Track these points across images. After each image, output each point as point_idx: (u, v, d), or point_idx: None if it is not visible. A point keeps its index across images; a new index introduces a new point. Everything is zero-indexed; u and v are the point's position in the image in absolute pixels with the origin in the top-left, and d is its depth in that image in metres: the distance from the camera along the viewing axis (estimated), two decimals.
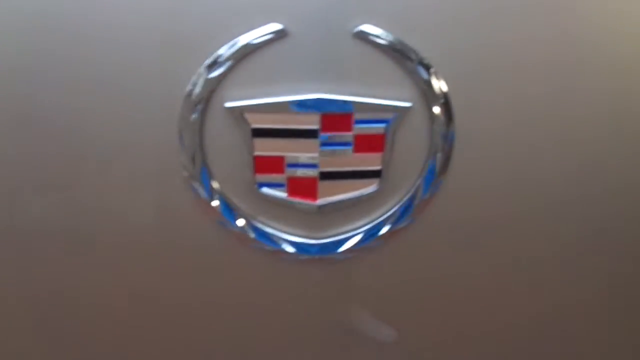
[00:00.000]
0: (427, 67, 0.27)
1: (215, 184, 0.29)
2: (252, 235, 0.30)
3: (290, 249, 0.31)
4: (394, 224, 0.30)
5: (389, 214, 0.30)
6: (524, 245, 0.32)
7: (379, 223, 0.30)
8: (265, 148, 0.28)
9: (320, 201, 0.29)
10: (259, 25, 0.26)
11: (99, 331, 0.35)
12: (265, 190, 0.29)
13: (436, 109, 0.28)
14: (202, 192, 0.29)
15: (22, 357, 0.36)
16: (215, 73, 0.27)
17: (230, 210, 0.30)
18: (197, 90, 0.27)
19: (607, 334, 0.37)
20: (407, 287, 0.33)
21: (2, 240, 0.32)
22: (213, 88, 0.27)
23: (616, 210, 0.32)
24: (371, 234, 0.31)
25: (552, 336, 0.36)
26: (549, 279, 0.34)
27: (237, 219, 0.30)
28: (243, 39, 0.26)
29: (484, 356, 0.36)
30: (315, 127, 0.28)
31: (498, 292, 0.34)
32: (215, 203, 0.30)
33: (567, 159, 0.31)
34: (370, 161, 0.29)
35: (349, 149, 0.28)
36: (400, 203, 0.30)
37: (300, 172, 0.29)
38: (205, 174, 0.29)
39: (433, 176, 0.29)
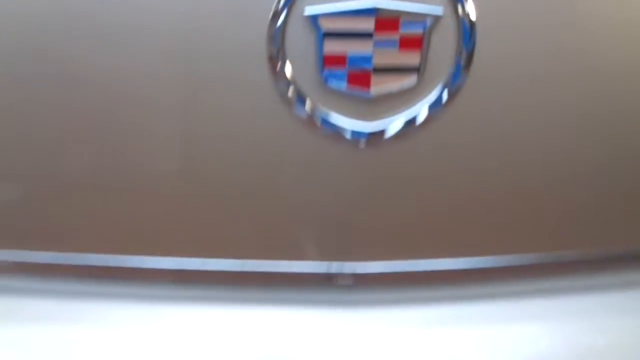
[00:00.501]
0: None
1: (292, 79, 0.38)
2: (319, 120, 0.40)
3: (347, 133, 0.40)
4: (429, 111, 0.39)
5: (425, 103, 0.39)
6: (542, 133, 0.41)
7: (417, 110, 0.39)
8: (332, 47, 0.37)
9: (372, 90, 0.38)
10: None
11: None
12: (331, 82, 0.38)
13: (462, 16, 0.37)
14: (282, 86, 0.38)
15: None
16: None
17: (302, 100, 0.39)
18: (282, 2, 0.36)
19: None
20: (441, 164, 0.42)
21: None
22: (294, 0, 0.36)
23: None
24: (411, 119, 0.40)
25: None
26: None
27: (307, 107, 0.39)
28: None
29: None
30: (371, 29, 0.37)
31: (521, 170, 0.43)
32: (291, 93, 0.39)
33: (579, 59, 0.39)
34: (412, 58, 0.38)
35: (396, 47, 0.37)
36: (434, 94, 0.39)
37: (358, 67, 0.38)
38: (284, 71, 0.38)
39: (459, 72, 0.38)
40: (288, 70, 0.38)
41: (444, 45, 0.37)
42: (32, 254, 0.47)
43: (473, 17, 0.37)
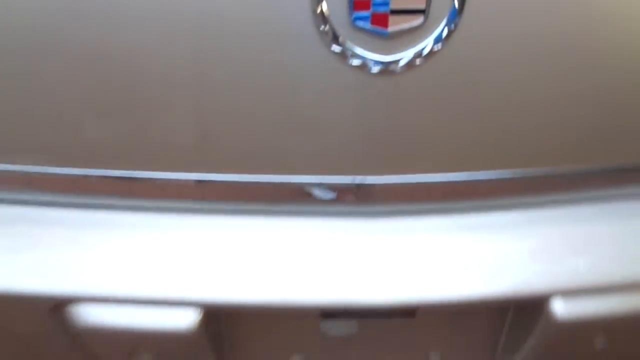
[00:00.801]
0: None
1: (328, 19, 0.50)
2: (348, 53, 0.52)
3: (370, 62, 0.52)
4: (433, 44, 0.51)
5: (430, 38, 0.51)
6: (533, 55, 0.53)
7: (424, 45, 0.51)
8: None
9: (390, 28, 0.50)
10: None
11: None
12: (358, 22, 0.50)
13: None
14: (320, 24, 0.50)
15: None
16: None
17: (337, 37, 0.51)
18: None
19: None
20: (444, 87, 0.54)
21: None
22: None
23: None
24: (419, 52, 0.51)
25: None
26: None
27: (339, 43, 0.51)
28: None
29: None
30: None
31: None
32: (327, 31, 0.51)
33: None
34: (419, 3, 0.49)
35: None
36: (436, 31, 0.51)
37: (379, 10, 0.50)
38: (322, 14, 0.50)
39: (454, 14, 0.50)
40: (326, 12, 0.50)
41: None
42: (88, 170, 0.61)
43: None
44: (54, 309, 0.60)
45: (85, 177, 0.61)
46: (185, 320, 0.60)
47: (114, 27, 0.51)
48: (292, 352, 0.74)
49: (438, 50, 0.52)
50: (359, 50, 0.52)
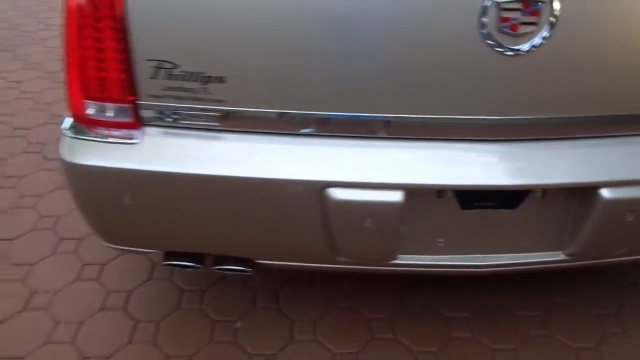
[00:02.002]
0: None
1: (486, 25, 0.98)
2: (496, 45, 0.99)
3: (507, 49, 0.99)
4: (541, 41, 0.99)
5: (538, 38, 0.99)
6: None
7: (536, 41, 0.99)
8: (504, 14, 0.97)
9: (519, 31, 0.98)
10: None
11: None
12: (503, 28, 0.98)
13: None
14: (480, 27, 0.98)
15: None
16: None
17: (490, 35, 0.99)
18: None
19: None
20: (549, 65, 1.00)
21: None
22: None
23: None
24: (534, 45, 0.99)
25: None
26: None
27: (492, 39, 0.99)
28: None
29: None
30: (520, 6, 0.97)
31: None
32: (484, 31, 0.99)
33: None
34: (533, 18, 0.97)
35: (528, 13, 0.97)
36: (542, 34, 0.98)
37: (514, 21, 0.98)
38: (482, 22, 0.98)
39: (551, 25, 0.98)
40: (485, 22, 0.98)
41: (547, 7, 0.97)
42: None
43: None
44: (321, 190, 1.07)
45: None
46: (396, 197, 1.06)
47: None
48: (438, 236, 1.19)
49: (543, 43, 0.99)
50: (503, 42, 1.00)
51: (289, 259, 1.21)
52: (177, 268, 1.28)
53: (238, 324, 1.63)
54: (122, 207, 1.14)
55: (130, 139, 1.11)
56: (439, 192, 1.12)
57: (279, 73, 1.04)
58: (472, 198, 1.12)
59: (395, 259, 1.17)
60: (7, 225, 1.96)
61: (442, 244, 1.19)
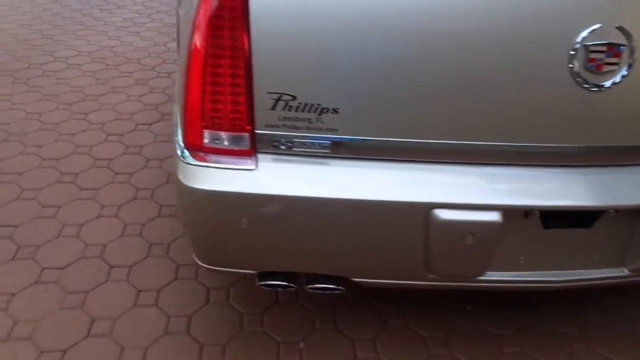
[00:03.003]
0: None
1: (574, 65, 1.13)
2: (582, 82, 1.14)
3: (592, 85, 1.14)
4: (620, 79, 1.14)
5: (618, 76, 1.14)
6: None
7: (616, 79, 1.14)
8: (592, 55, 1.12)
9: (603, 70, 1.13)
10: None
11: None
12: (590, 67, 1.13)
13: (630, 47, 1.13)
14: (570, 66, 1.13)
15: None
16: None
17: (578, 73, 1.13)
18: (578, 44, 1.12)
19: None
20: (626, 98, 1.16)
21: None
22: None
23: None
24: (614, 82, 1.14)
25: None
26: None
27: (579, 76, 1.14)
28: None
29: None
30: (604, 49, 1.12)
31: None
32: (574, 69, 1.13)
33: None
34: (615, 60, 1.13)
35: (611, 55, 1.13)
36: (621, 73, 1.14)
37: (599, 62, 1.13)
38: (572, 64, 1.13)
39: (628, 67, 1.13)
40: (574, 65, 1.13)
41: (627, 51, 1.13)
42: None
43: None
44: (427, 211, 1.17)
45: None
46: (496, 217, 1.18)
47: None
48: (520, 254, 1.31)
49: (622, 81, 1.15)
50: (588, 79, 1.14)
51: (384, 276, 1.30)
52: (272, 288, 1.35)
53: (301, 345, 1.69)
54: (232, 229, 1.21)
55: (246, 165, 1.19)
56: (526, 212, 1.24)
57: (388, 104, 1.15)
58: (554, 218, 1.25)
59: (483, 275, 1.28)
60: (54, 255, 1.96)
61: (523, 261, 1.31)
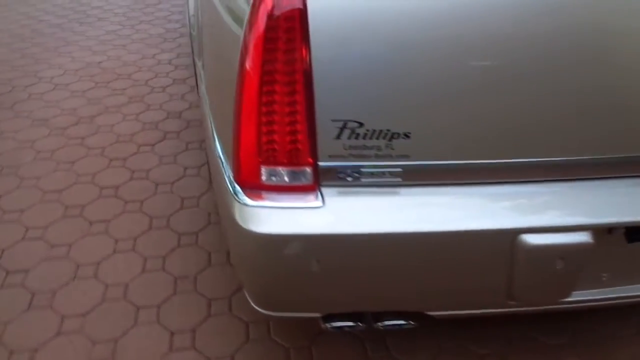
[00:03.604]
0: None
1: None
2: None
3: None
4: None
5: None
6: None
7: None
8: None
9: None
10: None
11: None
12: None
13: None
14: None
15: None
16: None
17: None
18: None
19: None
20: None
21: None
22: None
23: None
24: None
25: None
26: None
27: None
28: None
29: None
30: None
31: None
32: None
33: None
34: None
35: None
36: None
37: None
38: None
39: None
40: None
41: None
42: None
43: None
44: (513, 237, 1.06)
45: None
46: (588, 237, 1.07)
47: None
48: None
49: None
50: None
51: (461, 308, 1.19)
52: (338, 330, 1.22)
53: None
54: (299, 273, 1.09)
55: (312, 203, 1.06)
56: (610, 229, 1.14)
57: (466, 123, 1.04)
58: (639, 231, 1.15)
59: (569, 296, 1.18)
60: (72, 300, 1.81)
61: (605, 278, 1.21)
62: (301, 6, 0.96)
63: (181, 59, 3.64)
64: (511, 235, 1.07)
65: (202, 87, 1.56)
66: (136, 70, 3.49)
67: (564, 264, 1.09)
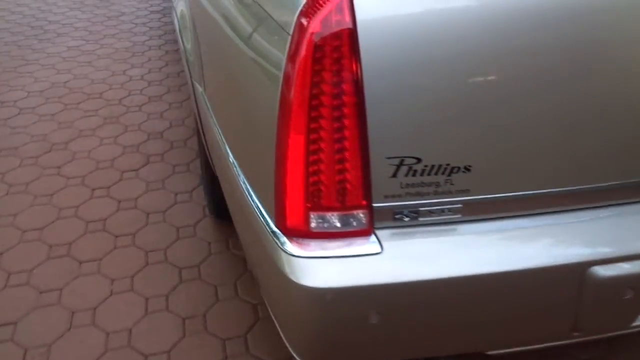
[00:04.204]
0: None
1: None
2: None
3: None
4: None
5: None
6: None
7: None
8: None
9: None
10: None
11: None
12: None
13: None
14: None
15: None
16: None
17: None
18: None
19: None
20: None
21: None
22: None
23: None
24: None
25: None
26: None
27: None
28: None
29: None
30: None
31: None
32: None
33: None
34: None
35: None
36: None
37: None
38: None
39: None
40: None
41: None
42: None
43: None
44: (583, 269, 0.99)
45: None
46: None
47: None
48: None
49: None
50: None
51: (523, 344, 1.11)
52: None
53: None
54: (355, 326, 0.98)
55: (368, 248, 0.96)
56: None
57: (531, 153, 0.96)
58: None
59: (635, 321, 1.12)
60: (72, 353, 1.64)
61: None
62: (350, 37, 0.86)
63: (154, 74, 3.46)
64: (581, 268, 1.00)
65: (213, 125, 1.42)
66: (107, 88, 3.28)
67: (633, 293, 1.03)
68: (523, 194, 1.00)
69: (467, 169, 0.96)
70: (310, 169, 0.92)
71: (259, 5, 1.04)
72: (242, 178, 1.16)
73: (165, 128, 2.85)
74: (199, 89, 1.57)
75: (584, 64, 0.92)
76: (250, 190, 1.11)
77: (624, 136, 0.99)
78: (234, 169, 1.22)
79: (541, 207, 1.02)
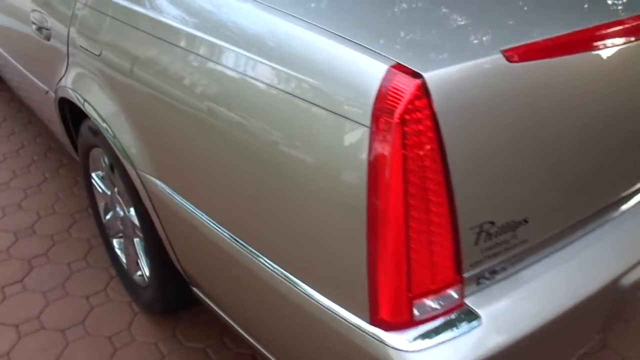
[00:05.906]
0: None
1: None
2: None
3: None
4: None
5: None
6: None
7: None
8: None
9: None
10: None
11: None
12: None
13: None
14: None
15: None
16: None
17: None
18: None
19: None
20: None
21: None
22: None
23: None
24: None
25: None
26: None
27: None
28: None
29: None
30: None
31: None
32: None
33: None
34: None
35: None
36: None
37: None
38: None
39: None
40: None
41: None
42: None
43: None
44: (615, 283, 1.13)
45: None
46: None
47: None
48: None
49: None
50: None
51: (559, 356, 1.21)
52: None
53: None
54: None
55: (470, 322, 0.95)
56: None
57: (571, 196, 1.09)
58: None
59: None
60: None
61: None
62: (433, 119, 0.85)
63: None
64: (616, 280, 1.14)
65: (197, 224, 1.25)
66: None
67: None
68: (565, 228, 1.11)
69: (525, 221, 1.02)
70: (412, 255, 0.89)
71: (300, 97, 0.95)
72: (290, 278, 1.05)
73: (34, 220, 2.39)
74: (157, 183, 1.37)
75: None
76: (309, 289, 1.02)
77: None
78: (264, 268, 1.10)
79: (577, 233, 1.15)
